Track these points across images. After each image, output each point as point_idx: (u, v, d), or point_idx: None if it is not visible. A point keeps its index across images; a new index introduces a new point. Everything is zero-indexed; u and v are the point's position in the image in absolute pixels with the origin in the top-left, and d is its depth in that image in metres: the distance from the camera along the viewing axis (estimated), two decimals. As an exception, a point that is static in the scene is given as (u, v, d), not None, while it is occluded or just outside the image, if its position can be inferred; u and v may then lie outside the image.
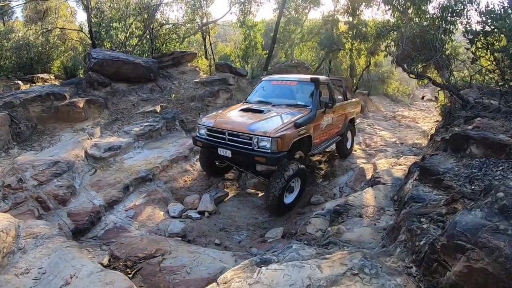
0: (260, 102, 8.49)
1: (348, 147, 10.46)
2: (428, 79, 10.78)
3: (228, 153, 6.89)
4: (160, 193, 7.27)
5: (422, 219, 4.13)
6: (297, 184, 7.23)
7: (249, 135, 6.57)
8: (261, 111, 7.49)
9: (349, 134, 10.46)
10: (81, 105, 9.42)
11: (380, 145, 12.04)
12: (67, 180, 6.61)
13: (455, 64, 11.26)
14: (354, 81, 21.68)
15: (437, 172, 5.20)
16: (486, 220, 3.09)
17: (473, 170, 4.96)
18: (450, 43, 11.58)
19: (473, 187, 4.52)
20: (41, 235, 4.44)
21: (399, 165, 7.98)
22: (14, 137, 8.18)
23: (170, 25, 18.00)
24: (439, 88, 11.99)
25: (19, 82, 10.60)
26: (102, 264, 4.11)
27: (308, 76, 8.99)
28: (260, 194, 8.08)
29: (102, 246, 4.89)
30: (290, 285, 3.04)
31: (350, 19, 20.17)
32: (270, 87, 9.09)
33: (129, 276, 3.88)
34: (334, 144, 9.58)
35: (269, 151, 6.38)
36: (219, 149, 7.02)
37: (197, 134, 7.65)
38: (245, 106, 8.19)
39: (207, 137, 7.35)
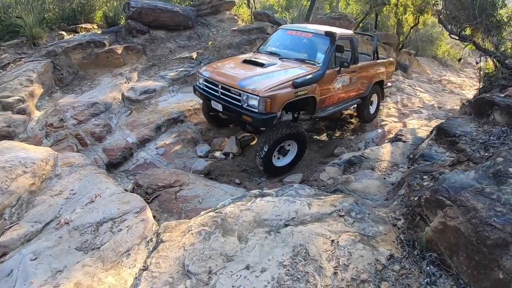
0: (270, 53, 7.92)
1: (372, 111, 9.69)
2: (472, 43, 9.78)
3: (219, 107, 6.62)
4: (190, 134, 7.62)
5: (424, 177, 4.20)
6: (293, 147, 6.72)
7: (239, 90, 6.16)
8: (262, 65, 6.94)
9: (374, 97, 9.66)
10: (119, 51, 9.79)
11: (417, 106, 11.79)
12: (104, 119, 7.15)
13: (509, 31, 10.28)
14: (401, 39, 20.58)
15: (453, 134, 5.21)
16: (475, 182, 3.08)
17: (492, 137, 4.88)
18: (504, 7, 10.41)
19: (486, 154, 4.45)
20: (76, 164, 4.93)
21: (428, 127, 7.70)
22: (57, 82, 8.69)
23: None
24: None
25: (63, 32, 10.89)
26: (126, 190, 4.57)
27: (325, 29, 7.98)
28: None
29: (129, 176, 5.40)
30: (276, 214, 3.32)
31: None
32: (284, 37, 8.42)
33: (148, 201, 4.33)
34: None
35: (256, 110, 5.95)
36: (212, 101, 6.77)
37: (197, 83, 7.39)
38: (248, 57, 7.64)
39: (204, 87, 7.05)
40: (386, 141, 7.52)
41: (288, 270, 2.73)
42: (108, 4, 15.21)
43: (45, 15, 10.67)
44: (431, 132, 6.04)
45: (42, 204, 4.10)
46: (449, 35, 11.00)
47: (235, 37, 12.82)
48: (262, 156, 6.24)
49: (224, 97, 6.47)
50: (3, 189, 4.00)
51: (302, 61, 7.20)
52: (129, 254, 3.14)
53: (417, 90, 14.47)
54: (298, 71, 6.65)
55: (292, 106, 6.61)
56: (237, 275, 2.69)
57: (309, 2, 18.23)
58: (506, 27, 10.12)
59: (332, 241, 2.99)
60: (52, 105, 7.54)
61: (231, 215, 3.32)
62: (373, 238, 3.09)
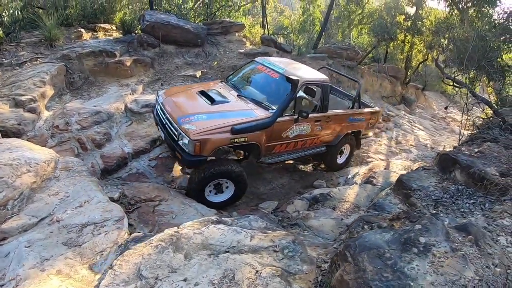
0: (233, 86, 7.68)
1: (340, 161, 9.20)
2: (467, 88, 9.33)
3: (162, 135, 6.68)
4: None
5: (365, 226, 4.48)
6: (231, 186, 6.50)
7: (176, 126, 6.13)
8: (213, 100, 6.76)
9: (346, 148, 9.19)
10: (128, 63, 10.56)
11: (410, 145, 12.03)
12: (105, 128, 7.84)
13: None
14: (409, 73, 20.91)
15: (409, 187, 5.43)
16: (385, 244, 3.40)
17: (445, 195, 5.03)
18: (509, 53, 10.72)
19: (434, 212, 4.61)
20: (73, 169, 5.69)
21: (410, 169, 7.84)
22: (68, 85, 9.47)
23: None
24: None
25: (82, 30, 11.55)
26: (112, 198, 5.37)
27: (298, 70, 7.74)
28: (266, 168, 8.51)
29: (118, 185, 6.10)
30: (221, 241, 3.94)
31: (414, 8, 19.23)
32: (254, 71, 8.13)
33: (129, 211, 5.13)
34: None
35: (186, 150, 5.90)
36: (158, 126, 6.95)
37: (156, 105, 7.38)
38: (207, 88, 7.45)
39: (158, 111, 7.08)
40: (365, 179, 7.89)
41: (215, 287, 3.37)
42: (130, 7, 15.92)
43: (67, 12, 11.41)
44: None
45: (40, 201, 4.86)
46: (442, 80, 11.27)
47: (240, 59, 13.41)
48: (193, 192, 6.22)
49: (167, 127, 6.47)
50: (8, 184, 4.76)
51: (258, 103, 6.89)
52: (102, 254, 3.94)
53: (415, 127, 14.69)
54: (245, 116, 6.41)
55: (233, 147, 6.59)
56: (176, 284, 3.35)
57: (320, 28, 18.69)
58: (510, 74, 10.25)
59: (257, 271, 3.54)
60: (61, 107, 8.26)
61: (185, 236, 4.00)
62: (293, 275, 3.55)
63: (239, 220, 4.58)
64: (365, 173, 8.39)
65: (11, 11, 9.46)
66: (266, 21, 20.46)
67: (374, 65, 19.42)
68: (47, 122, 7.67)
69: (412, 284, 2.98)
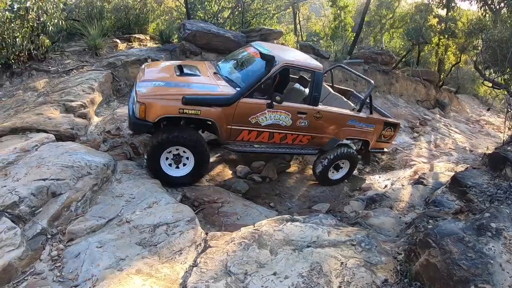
0: (216, 65, 7.26)
1: (333, 177, 7.83)
2: (506, 89, 9.39)
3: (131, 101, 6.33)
4: (232, 155, 8.22)
5: (430, 221, 4.74)
6: (190, 157, 5.99)
7: (134, 89, 5.96)
8: (181, 72, 6.37)
9: (345, 163, 7.79)
10: (172, 70, 10.57)
11: (449, 148, 11.93)
12: (158, 134, 7.86)
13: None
14: (442, 76, 20.46)
15: (464, 185, 5.71)
16: (461, 231, 3.68)
17: (499, 191, 5.32)
18: None
19: (490, 206, 4.74)
20: (133, 172, 5.76)
21: (451, 172, 7.58)
22: (115, 92, 9.56)
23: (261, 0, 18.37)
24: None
25: (117, 40, 11.74)
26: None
27: (279, 55, 6.43)
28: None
29: (177, 188, 6.05)
30: (301, 237, 4.03)
31: (445, 10, 19.22)
32: (242, 53, 7.49)
33: (195, 212, 5.04)
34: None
35: (133, 113, 5.69)
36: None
37: None
38: (188, 63, 7.23)
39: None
40: (412, 181, 7.77)
41: (305, 280, 3.43)
42: (161, 18, 16.11)
43: (102, 23, 11.57)
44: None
45: (104, 202, 4.91)
46: (482, 82, 10.93)
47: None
48: (145, 162, 5.96)
49: (132, 92, 6.30)
50: (70, 186, 4.82)
51: (230, 81, 6.37)
52: (181, 253, 3.92)
53: (452, 130, 14.53)
54: (205, 89, 6.00)
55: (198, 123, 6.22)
56: (266, 279, 3.41)
57: (354, 34, 18.60)
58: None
59: (342, 263, 3.68)
60: (110, 113, 8.32)
61: (266, 233, 4.05)
62: (375, 265, 3.74)
63: (310, 218, 4.69)
64: (411, 176, 8.28)
65: (55, 20, 9.56)
66: (300, 28, 20.43)
67: (408, 69, 19.21)
68: (98, 127, 7.70)
69: (492, 262, 3.33)
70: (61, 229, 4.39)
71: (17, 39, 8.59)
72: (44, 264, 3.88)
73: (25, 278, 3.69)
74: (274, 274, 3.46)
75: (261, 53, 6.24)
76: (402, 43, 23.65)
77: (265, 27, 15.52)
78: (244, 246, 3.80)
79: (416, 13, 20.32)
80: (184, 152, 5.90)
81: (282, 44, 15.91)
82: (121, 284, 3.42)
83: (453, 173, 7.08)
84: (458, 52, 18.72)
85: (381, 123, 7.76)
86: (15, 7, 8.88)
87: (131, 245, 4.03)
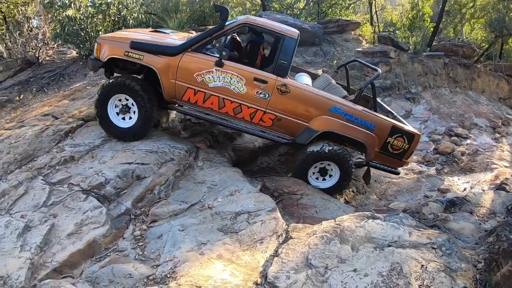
0: None
1: (314, 182, 6.09)
2: None
3: None
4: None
5: None
6: (136, 109, 5.62)
7: None
8: (165, 33, 6.43)
9: (334, 168, 6.02)
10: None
11: None
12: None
13: None
14: None
15: None
16: None
17: None
18: None
19: None
20: (214, 160, 5.94)
21: None
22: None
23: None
24: None
25: (193, 32, 11.71)
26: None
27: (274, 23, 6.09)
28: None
29: (257, 178, 6.23)
30: (382, 235, 3.97)
31: None
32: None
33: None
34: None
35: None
36: None
37: None
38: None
39: None
40: (492, 186, 7.48)
41: (384, 279, 3.39)
42: (236, 10, 16.27)
43: (178, 15, 11.87)
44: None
45: (186, 188, 5.13)
46: None
47: (358, 58, 12.91)
48: (96, 112, 5.74)
49: None
50: (154, 170, 5.07)
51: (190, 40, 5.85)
52: (262, 242, 3.99)
53: None
54: (155, 39, 5.78)
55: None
56: (346, 274, 3.41)
57: (434, 24, 17.79)
58: None
59: (422, 265, 3.58)
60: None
61: (348, 229, 4.03)
62: (454, 272, 3.59)
63: (390, 217, 4.57)
64: (492, 180, 7.91)
65: (135, 14, 9.92)
66: (377, 18, 19.84)
67: (489, 63, 18.23)
68: (178, 114, 7.83)
69: None
70: (144, 210, 4.65)
71: (100, 33, 9.12)
72: (127, 243, 4.13)
73: (108, 254, 3.94)
74: (354, 270, 3.45)
75: (214, 4, 6.01)
76: (484, 35, 22.18)
77: (342, 18, 15.40)
78: (326, 240, 3.81)
79: (499, 2, 19.25)
80: (132, 105, 5.63)
81: (360, 35, 15.64)
82: (202, 267, 3.55)
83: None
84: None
85: (387, 126, 5.97)
86: (97, 2, 9.61)
87: (213, 230, 4.17)
